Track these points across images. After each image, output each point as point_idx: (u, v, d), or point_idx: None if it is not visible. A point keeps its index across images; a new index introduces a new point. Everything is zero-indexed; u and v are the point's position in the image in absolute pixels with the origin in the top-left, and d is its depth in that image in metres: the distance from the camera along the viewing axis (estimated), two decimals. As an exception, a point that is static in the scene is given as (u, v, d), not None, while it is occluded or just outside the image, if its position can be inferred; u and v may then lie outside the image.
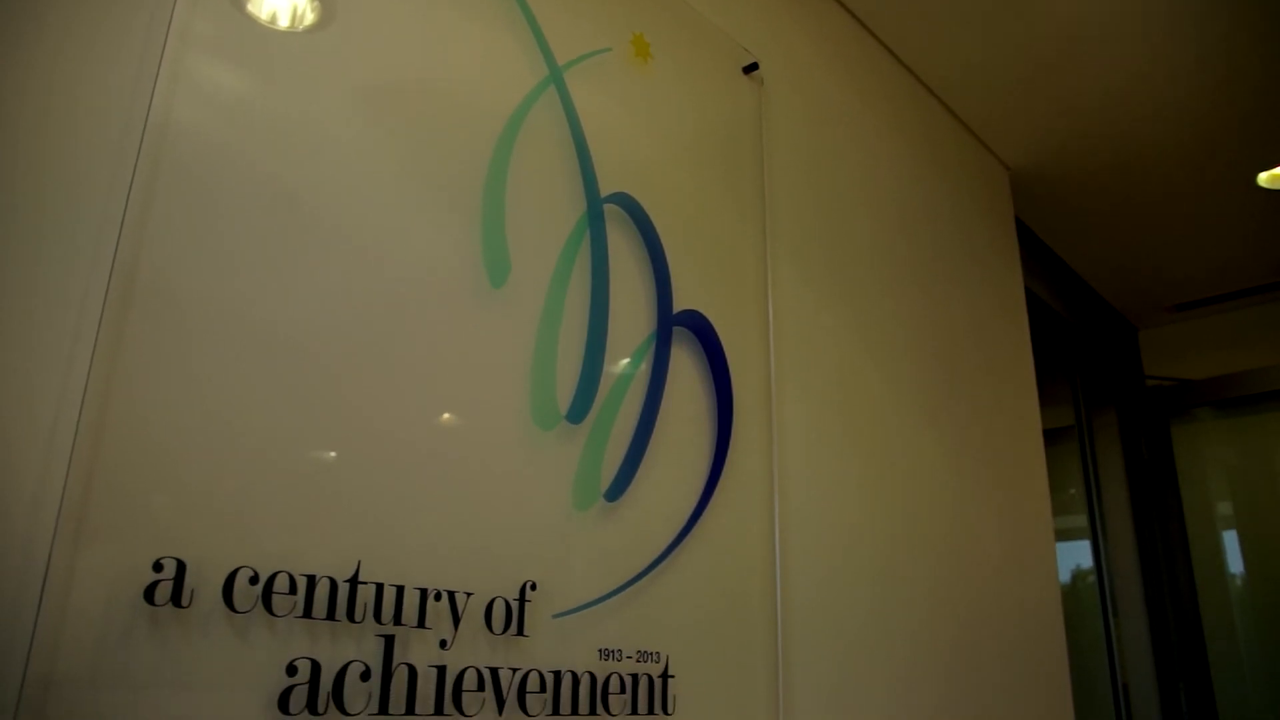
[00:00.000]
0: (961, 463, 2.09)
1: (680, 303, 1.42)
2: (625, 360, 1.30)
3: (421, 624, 0.99)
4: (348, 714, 0.91)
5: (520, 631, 1.08)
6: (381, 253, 1.06)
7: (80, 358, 0.81)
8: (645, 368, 1.33)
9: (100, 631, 0.78)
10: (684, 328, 1.42)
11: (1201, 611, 3.30)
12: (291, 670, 0.88)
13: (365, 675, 0.93)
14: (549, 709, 1.09)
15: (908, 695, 1.71)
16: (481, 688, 1.03)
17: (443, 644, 1.01)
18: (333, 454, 0.97)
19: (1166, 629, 3.23)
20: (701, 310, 1.46)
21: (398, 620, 0.97)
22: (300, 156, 1.01)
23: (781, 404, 1.57)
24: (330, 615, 0.92)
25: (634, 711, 1.19)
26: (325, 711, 0.89)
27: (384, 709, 0.94)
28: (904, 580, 1.79)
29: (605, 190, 1.34)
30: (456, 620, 1.02)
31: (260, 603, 0.87)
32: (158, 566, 0.81)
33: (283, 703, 0.87)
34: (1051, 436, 2.57)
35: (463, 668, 1.02)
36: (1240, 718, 3.20)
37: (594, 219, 1.31)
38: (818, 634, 1.53)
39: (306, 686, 0.89)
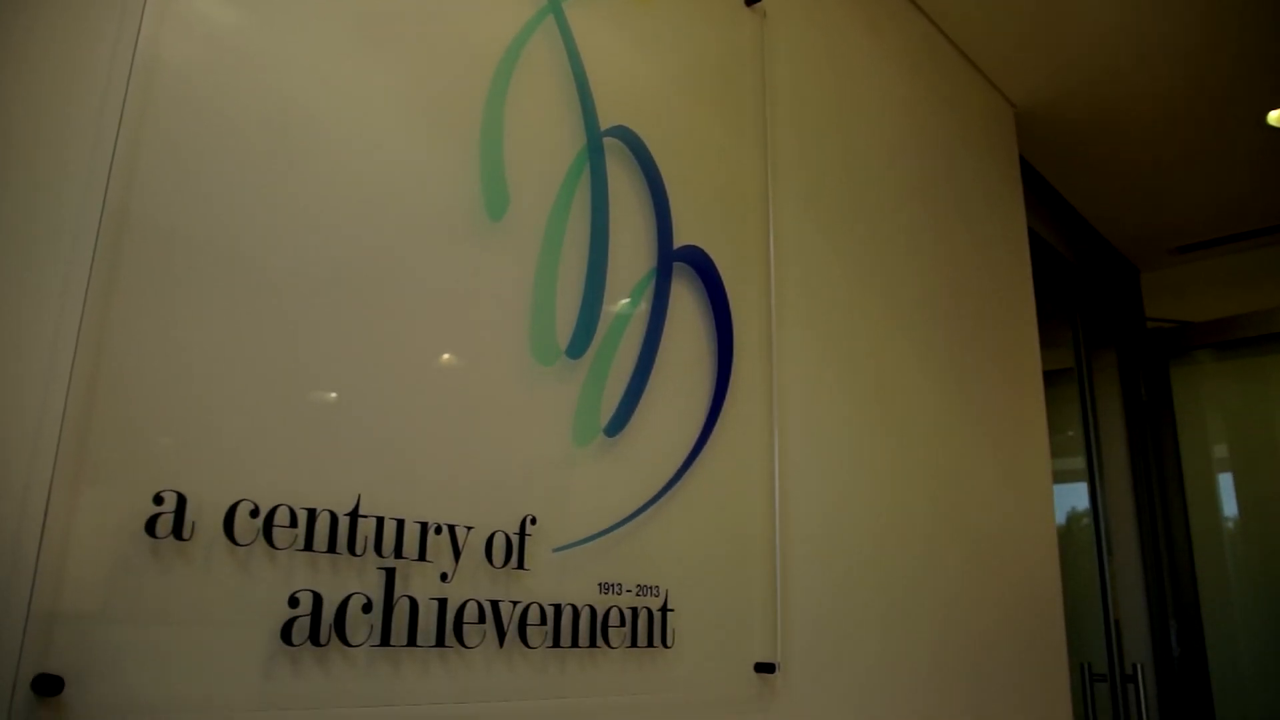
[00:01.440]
0: (962, 401, 2.09)
1: (681, 238, 1.41)
2: (625, 295, 1.29)
3: (422, 557, 0.99)
4: (350, 645, 0.92)
5: (520, 565, 1.09)
6: (378, 186, 1.04)
7: (73, 298, 0.80)
8: (645, 303, 1.32)
9: (103, 565, 0.78)
10: (684, 263, 1.40)
11: (1194, 552, 3.34)
12: (293, 602, 0.88)
13: (367, 607, 0.94)
14: (549, 641, 1.10)
15: (905, 627, 1.73)
16: (482, 620, 1.04)
17: (443, 577, 1.01)
18: (331, 388, 0.96)
19: (1159, 568, 3.26)
20: (702, 245, 1.44)
21: (398, 554, 0.97)
22: (294, 90, 0.99)
23: (782, 339, 1.57)
24: (331, 548, 0.92)
25: (633, 644, 1.20)
26: (328, 643, 0.90)
27: (386, 641, 0.95)
28: (902, 515, 1.80)
29: (605, 123, 1.32)
30: (457, 554, 1.03)
31: (261, 536, 0.87)
32: (158, 500, 0.81)
33: (285, 634, 0.87)
34: (1051, 378, 2.57)
35: (463, 600, 1.02)
36: (1229, 655, 3.26)
37: (594, 152, 1.29)
38: (816, 569, 1.54)
39: (309, 618, 0.89)
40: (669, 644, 1.25)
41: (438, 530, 1.01)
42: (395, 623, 0.96)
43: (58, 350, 0.78)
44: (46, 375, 0.77)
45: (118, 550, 0.79)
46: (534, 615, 1.09)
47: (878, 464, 1.77)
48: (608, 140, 1.32)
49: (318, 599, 0.90)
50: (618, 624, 1.19)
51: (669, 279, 1.37)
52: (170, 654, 0.81)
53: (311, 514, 0.91)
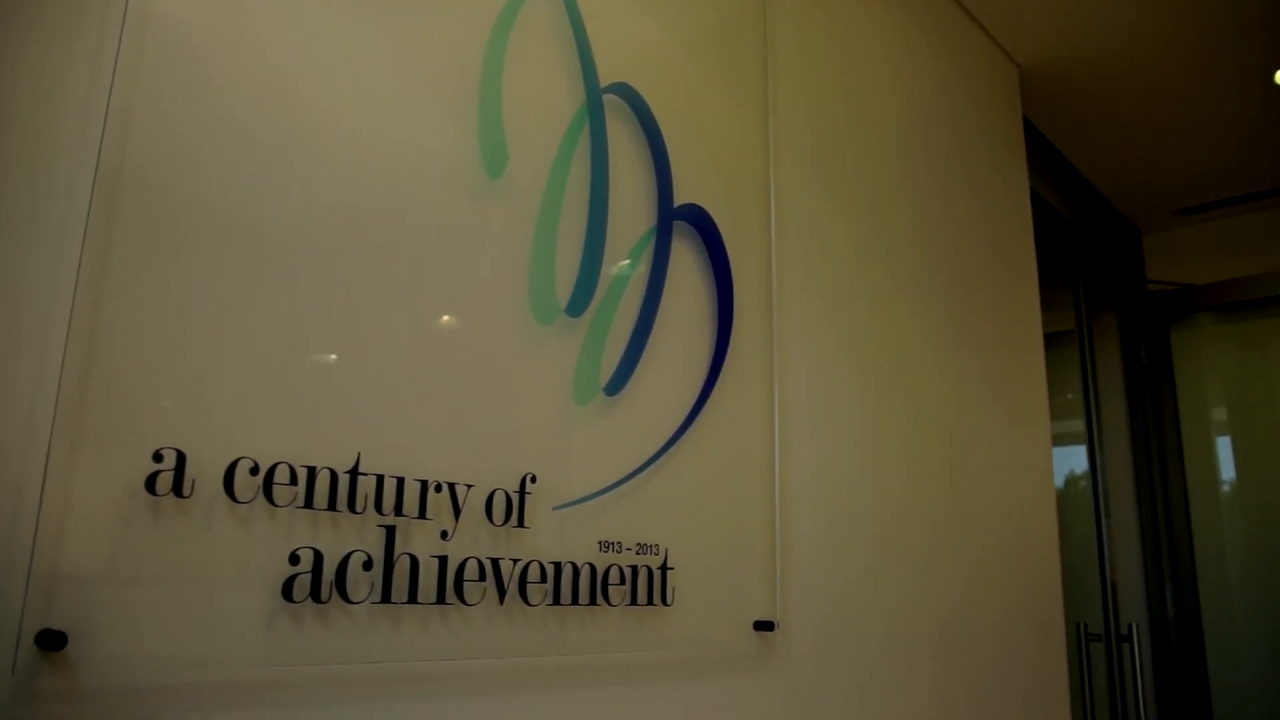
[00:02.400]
0: (961, 362, 2.08)
1: (681, 196, 1.39)
2: (625, 254, 1.29)
3: (422, 515, 1.00)
4: (350, 602, 0.92)
5: (521, 524, 1.09)
6: (376, 143, 1.03)
7: (69, 257, 0.79)
8: (645, 262, 1.32)
9: (104, 522, 0.78)
10: (685, 222, 1.39)
11: (1191, 515, 3.35)
12: (294, 559, 0.89)
13: (368, 565, 0.94)
14: (549, 599, 1.11)
15: (903, 587, 1.74)
16: (482, 578, 1.04)
17: (444, 535, 1.01)
18: (331, 347, 0.96)
19: (1156, 530, 3.28)
20: (703, 204, 1.43)
21: (399, 511, 0.98)
22: (290, 47, 0.98)
23: (782, 298, 1.56)
24: (331, 506, 0.92)
25: (633, 602, 1.21)
26: (329, 600, 0.91)
27: (387, 598, 0.95)
28: (902, 477, 1.81)
29: (605, 80, 1.30)
30: (457, 512, 1.03)
31: (261, 493, 0.88)
32: (158, 457, 0.81)
33: (286, 591, 0.88)
34: (1050, 340, 2.56)
35: (464, 558, 1.03)
36: (1223, 617, 3.28)
37: (593, 110, 1.27)
38: (815, 529, 1.55)
39: (310, 575, 0.89)
40: (668, 602, 1.26)
41: (438, 488, 1.01)
42: (396, 580, 0.96)
43: (55, 308, 0.78)
44: (44, 333, 0.77)
45: (118, 507, 0.79)
46: (534, 573, 1.10)
47: (877, 425, 1.77)
48: (608, 97, 1.30)
49: (318, 556, 0.90)
50: (618, 582, 1.19)
51: (669, 238, 1.36)
52: (172, 609, 0.81)
53: (311, 471, 0.91)
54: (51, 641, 0.73)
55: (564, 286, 1.19)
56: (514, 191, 1.16)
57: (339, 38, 1.02)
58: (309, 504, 0.91)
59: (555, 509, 1.13)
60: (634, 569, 1.22)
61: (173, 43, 0.88)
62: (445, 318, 1.07)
